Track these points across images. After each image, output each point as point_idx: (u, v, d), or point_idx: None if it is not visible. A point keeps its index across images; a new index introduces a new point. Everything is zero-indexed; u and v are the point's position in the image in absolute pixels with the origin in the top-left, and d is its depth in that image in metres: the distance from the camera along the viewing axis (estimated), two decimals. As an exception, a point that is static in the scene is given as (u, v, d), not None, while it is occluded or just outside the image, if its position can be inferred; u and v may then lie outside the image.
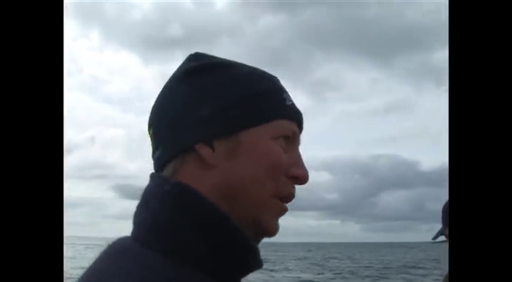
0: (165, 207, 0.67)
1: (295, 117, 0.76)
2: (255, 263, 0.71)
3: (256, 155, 0.70)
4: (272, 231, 0.73)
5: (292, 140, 0.75)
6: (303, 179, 0.74)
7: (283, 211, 0.73)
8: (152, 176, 0.73)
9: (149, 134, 0.78)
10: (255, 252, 0.70)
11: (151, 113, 0.78)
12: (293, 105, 0.77)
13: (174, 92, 0.76)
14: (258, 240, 0.74)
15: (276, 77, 0.80)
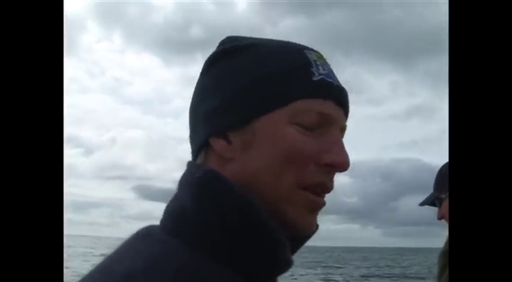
0: (192, 194, 0.64)
1: (326, 94, 0.65)
2: (282, 259, 0.64)
3: (271, 142, 0.64)
4: (302, 226, 0.65)
5: (323, 121, 0.65)
6: (338, 165, 0.64)
7: (315, 204, 0.65)
8: (188, 164, 0.70)
9: None
10: (281, 246, 0.63)
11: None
12: (325, 79, 0.66)
13: (197, 83, 0.73)
14: (293, 238, 0.67)
15: (307, 48, 0.70)
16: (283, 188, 0.63)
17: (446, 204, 1.85)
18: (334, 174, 0.67)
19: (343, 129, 0.68)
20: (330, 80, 0.67)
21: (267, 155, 0.64)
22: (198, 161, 0.70)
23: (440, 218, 1.90)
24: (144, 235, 0.66)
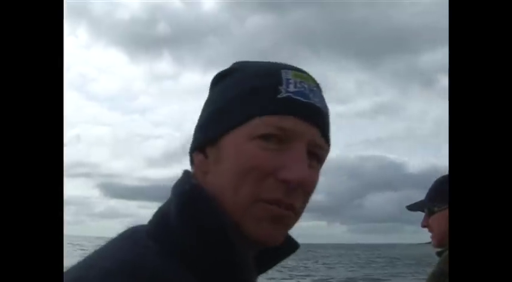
0: (177, 204, 0.68)
1: (290, 110, 0.67)
2: (241, 278, 0.68)
3: (232, 157, 0.68)
4: (263, 238, 0.68)
5: (285, 137, 0.67)
6: (293, 182, 0.65)
7: (274, 215, 0.67)
8: (183, 172, 0.75)
9: None
10: (244, 267, 0.67)
11: None
12: (291, 96, 0.68)
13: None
14: (267, 254, 0.73)
15: (287, 68, 0.73)
16: (242, 201, 0.66)
17: (436, 216, 1.87)
18: (296, 190, 0.67)
19: (314, 146, 0.69)
20: (297, 97, 0.68)
21: (229, 170, 0.67)
22: (192, 168, 0.76)
23: (424, 226, 1.93)
24: (129, 236, 0.69)
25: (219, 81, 0.77)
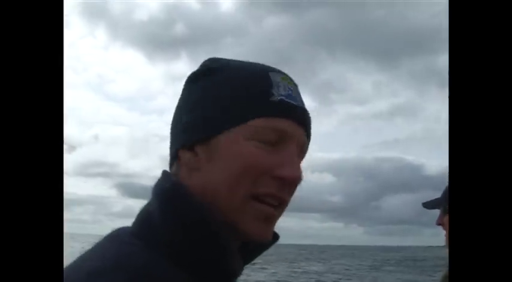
0: (160, 203, 0.70)
1: (283, 113, 0.71)
2: (229, 267, 0.71)
3: (229, 156, 0.70)
4: (254, 235, 0.71)
5: (279, 138, 0.71)
6: (288, 178, 0.70)
7: (265, 214, 0.71)
8: (162, 172, 0.77)
9: None
10: (228, 255, 0.70)
11: None
12: (284, 100, 0.72)
13: (179, 98, 0.80)
14: (250, 246, 0.75)
15: (273, 70, 0.76)
16: (236, 199, 0.69)
17: None
18: (290, 188, 0.73)
19: (302, 145, 0.74)
20: (289, 100, 0.73)
21: (225, 168, 0.70)
22: (172, 170, 0.77)
23: (439, 224, 1.92)
24: (114, 236, 0.72)
25: (199, 79, 0.77)
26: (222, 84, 0.74)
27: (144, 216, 0.72)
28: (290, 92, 0.74)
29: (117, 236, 0.71)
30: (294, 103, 0.73)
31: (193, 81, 0.79)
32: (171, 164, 0.78)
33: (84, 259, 0.67)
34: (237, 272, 0.73)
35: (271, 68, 0.77)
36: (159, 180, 0.75)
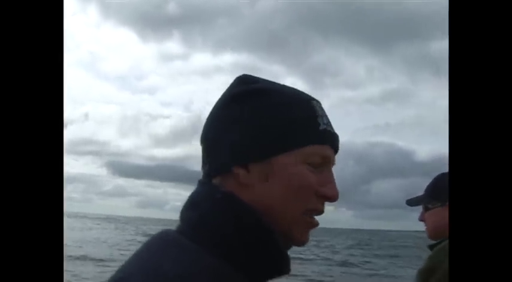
0: (214, 210, 0.78)
1: (327, 141, 0.83)
2: (283, 269, 0.80)
3: (287, 177, 0.79)
4: (302, 241, 0.82)
5: (323, 162, 0.82)
6: (332, 198, 0.82)
7: (313, 226, 0.83)
8: (202, 183, 0.84)
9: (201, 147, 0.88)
10: (286, 259, 0.80)
11: (203, 128, 0.88)
12: (327, 129, 0.83)
13: (220, 114, 0.85)
14: (288, 248, 0.83)
15: (314, 101, 0.85)
16: (295, 214, 0.79)
17: (430, 213, 1.96)
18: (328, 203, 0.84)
19: (333, 165, 0.85)
20: (330, 129, 0.84)
21: (284, 186, 0.79)
22: (214, 181, 0.83)
23: (421, 220, 2.03)
24: (169, 242, 0.77)
25: (247, 99, 0.84)
26: (275, 109, 0.82)
27: (195, 221, 0.79)
28: (327, 121, 0.84)
29: (173, 240, 0.77)
30: (332, 131, 0.84)
31: (239, 100, 0.84)
32: (209, 176, 0.84)
33: (159, 265, 0.71)
34: (290, 270, 0.82)
35: (310, 96, 0.87)
36: (201, 191, 0.83)
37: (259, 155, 0.80)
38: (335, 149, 0.85)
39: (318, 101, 0.87)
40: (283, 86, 0.88)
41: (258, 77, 0.89)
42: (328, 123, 0.85)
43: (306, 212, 0.81)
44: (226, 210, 0.78)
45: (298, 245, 0.83)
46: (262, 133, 0.81)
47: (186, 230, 0.79)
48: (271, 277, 0.80)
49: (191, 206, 0.82)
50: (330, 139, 0.84)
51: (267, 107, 0.82)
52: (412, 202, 2.10)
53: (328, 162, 0.83)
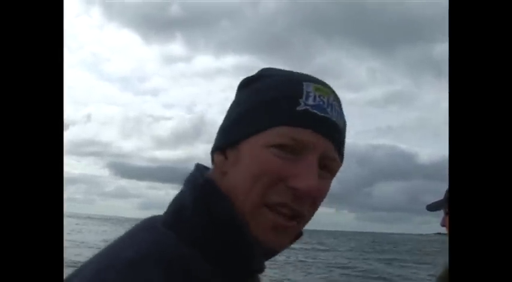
0: (193, 197, 0.73)
1: (306, 123, 0.71)
2: (254, 267, 0.74)
3: (246, 161, 0.72)
4: (265, 244, 0.71)
5: (299, 148, 0.70)
6: (301, 189, 0.69)
7: (273, 223, 0.70)
8: (196, 165, 0.80)
9: None
10: (253, 260, 0.72)
11: None
12: (308, 110, 0.71)
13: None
14: (267, 251, 0.74)
15: (310, 80, 0.76)
16: (249, 204, 0.70)
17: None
18: (304, 200, 0.71)
19: (325, 157, 0.72)
20: (314, 111, 0.72)
21: (243, 173, 0.72)
22: (212, 166, 0.80)
23: (443, 225, 1.93)
24: (149, 226, 0.73)
25: (244, 86, 0.80)
26: (255, 92, 0.76)
27: (177, 208, 0.75)
28: (320, 102, 0.73)
29: (153, 226, 0.73)
30: (319, 113, 0.72)
31: (238, 87, 0.82)
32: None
33: (120, 247, 0.68)
34: (261, 269, 0.76)
35: (313, 78, 0.77)
36: (191, 174, 0.78)
37: (231, 140, 0.75)
38: (325, 135, 0.72)
39: (320, 84, 0.76)
40: (292, 72, 0.80)
41: (279, 69, 0.82)
42: (318, 106, 0.72)
43: (268, 204, 0.70)
44: (204, 199, 0.72)
45: (264, 246, 0.72)
46: (237, 118, 0.76)
47: (167, 217, 0.75)
48: (242, 273, 0.73)
49: (180, 190, 0.77)
50: (311, 121, 0.71)
51: (251, 92, 0.78)
52: (432, 207, 2.02)
53: (308, 149, 0.70)
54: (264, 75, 0.79)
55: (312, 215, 0.75)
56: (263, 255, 0.75)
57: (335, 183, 0.76)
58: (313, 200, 0.72)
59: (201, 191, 0.73)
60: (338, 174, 0.75)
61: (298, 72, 0.79)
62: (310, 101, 0.72)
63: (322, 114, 0.72)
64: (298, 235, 0.79)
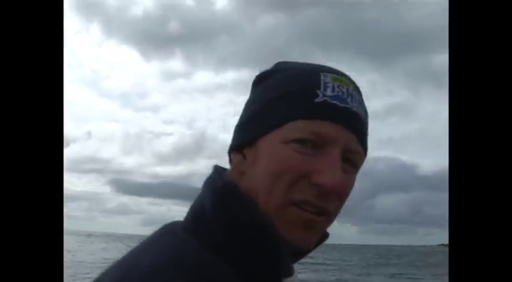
0: (213, 201, 0.69)
1: (325, 115, 0.66)
2: (281, 272, 0.68)
3: (265, 160, 0.68)
4: (293, 242, 0.67)
5: (320, 141, 0.66)
6: (326, 185, 0.65)
7: (303, 220, 0.67)
8: (214, 167, 0.76)
9: None
10: (280, 261, 0.67)
11: None
12: (327, 101, 0.67)
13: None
14: (295, 251, 0.71)
15: (326, 71, 0.71)
16: (273, 204, 0.66)
17: None
18: (329, 196, 0.67)
19: (348, 150, 0.68)
20: (334, 102, 0.67)
21: (263, 172, 0.67)
22: (230, 166, 0.76)
23: None
24: (169, 232, 0.70)
25: (260, 82, 0.76)
26: (272, 87, 0.72)
27: (197, 213, 0.70)
28: (339, 93, 0.68)
29: (172, 232, 0.69)
30: (339, 104, 0.68)
31: (253, 83, 0.77)
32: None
33: (139, 255, 0.65)
34: (290, 272, 0.70)
35: (329, 68, 0.73)
36: (210, 176, 0.74)
37: (248, 138, 0.71)
38: (347, 127, 0.67)
39: (339, 74, 0.72)
40: (304, 64, 0.75)
41: (295, 62, 0.77)
42: (337, 96, 0.68)
43: (293, 202, 0.66)
44: (225, 203, 0.68)
45: (293, 247, 0.68)
46: (252, 115, 0.72)
47: (187, 222, 0.71)
48: (270, 277, 0.68)
49: (200, 194, 0.73)
50: (331, 112, 0.66)
51: (267, 86, 0.73)
52: None
53: (330, 142, 0.66)
54: (279, 69, 0.75)
55: (339, 211, 0.71)
56: (290, 258, 0.70)
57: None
58: (338, 196, 0.68)
59: (220, 194, 0.69)
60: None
61: (314, 64, 0.74)
62: (329, 92, 0.68)
63: (343, 105, 0.68)
64: (325, 235, 0.75)
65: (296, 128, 0.66)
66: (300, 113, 0.67)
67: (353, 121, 0.68)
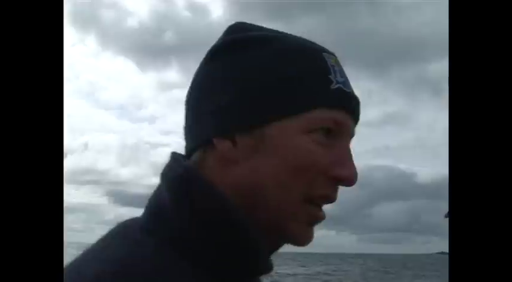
0: (171, 193, 0.62)
1: (342, 103, 0.62)
2: (257, 268, 0.63)
3: (283, 152, 0.60)
4: (301, 240, 0.63)
5: (337, 132, 0.62)
6: (346, 179, 0.61)
7: (316, 219, 0.63)
8: (172, 155, 0.67)
9: None
10: (257, 256, 0.61)
11: (187, 91, 0.70)
12: (341, 88, 0.62)
13: (199, 74, 0.67)
14: (279, 246, 0.66)
15: (326, 51, 0.66)
16: (289, 201, 0.61)
17: None
18: (338, 186, 0.64)
19: (352, 137, 0.66)
20: (346, 89, 0.64)
21: (277, 165, 0.60)
22: (194, 157, 0.66)
23: None
24: (122, 233, 0.63)
25: (238, 50, 0.64)
26: (273, 61, 0.62)
27: (154, 209, 0.63)
28: (344, 78, 0.64)
29: (125, 233, 0.62)
30: (348, 91, 0.64)
31: (229, 51, 0.65)
32: (190, 151, 0.67)
33: (84, 259, 0.59)
34: (266, 271, 0.64)
35: (323, 47, 0.67)
36: (167, 165, 0.66)
37: (248, 122, 0.61)
38: (353, 115, 0.64)
39: (332, 54, 0.66)
40: (290, 35, 0.67)
41: (257, 25, 0.68)
42: (345, 82, 0.64)
43: (310, 199, 0.61)
44: (185, 193, 0.60)
45: (299, 244, 0.63)
46: (252, 93, 0.61)
47: (144, 219, 0.63)
48: (244, 277, 0.62)
49: (158, 186, 0.65)
50: (346, 101, 0.63)
51: (262, 58, 0.62)
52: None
53: (343, 131, 0.63)
54: (264, 37, 0.65)
55: None
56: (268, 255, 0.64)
57: (335, 205, 0.67)
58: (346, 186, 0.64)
59: (180, 184, 0.61)
60: (337, 196, 0.66)
61: (302, 38, 0.67)
62: (339, 78, 0.63)
63: (349, 91, 0.64)
64: None
65: (319, 117, 0.61)
66: (319, 100, 0.61)
67: (358, 108, 0.66)
